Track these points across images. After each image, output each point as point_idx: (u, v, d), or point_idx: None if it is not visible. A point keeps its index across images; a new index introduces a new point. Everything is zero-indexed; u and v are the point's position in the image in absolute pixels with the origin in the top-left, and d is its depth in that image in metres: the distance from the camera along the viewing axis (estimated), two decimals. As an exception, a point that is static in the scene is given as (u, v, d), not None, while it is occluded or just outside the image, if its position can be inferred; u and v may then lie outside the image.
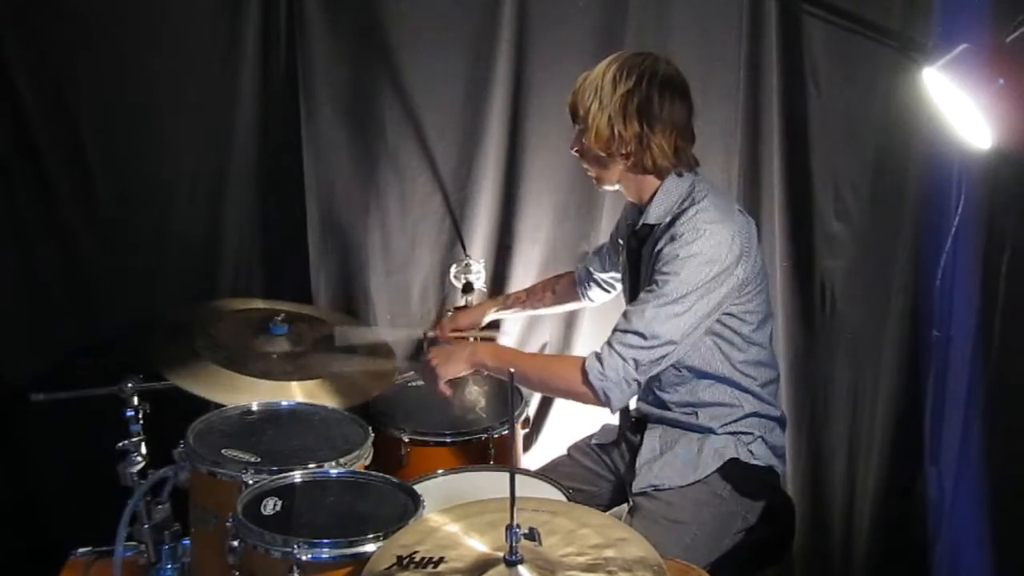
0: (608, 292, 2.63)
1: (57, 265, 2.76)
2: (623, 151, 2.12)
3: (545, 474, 2.27)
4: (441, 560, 1.55)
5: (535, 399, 2.94)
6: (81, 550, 2.17)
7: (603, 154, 2.14)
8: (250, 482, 1.84)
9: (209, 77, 2.74)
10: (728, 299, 2.10)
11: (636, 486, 2.20)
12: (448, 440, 2.44)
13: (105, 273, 2.77)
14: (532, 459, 2.81)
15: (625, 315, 2.09)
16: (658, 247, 2.11)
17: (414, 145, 2.85)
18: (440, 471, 2.24)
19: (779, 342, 2.76)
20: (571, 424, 2.78)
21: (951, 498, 2.38)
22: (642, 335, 2.04)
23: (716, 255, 2.05)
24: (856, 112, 2.64)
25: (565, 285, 2.71)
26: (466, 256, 2.91)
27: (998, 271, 2.20)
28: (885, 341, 2.65)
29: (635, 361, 2.05)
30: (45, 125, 2.66)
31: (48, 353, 2.76)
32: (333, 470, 1.91)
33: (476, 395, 2.64)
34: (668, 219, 2.13)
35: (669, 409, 2.22)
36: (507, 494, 1.50)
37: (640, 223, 2.20)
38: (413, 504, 1.81)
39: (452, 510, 1.70)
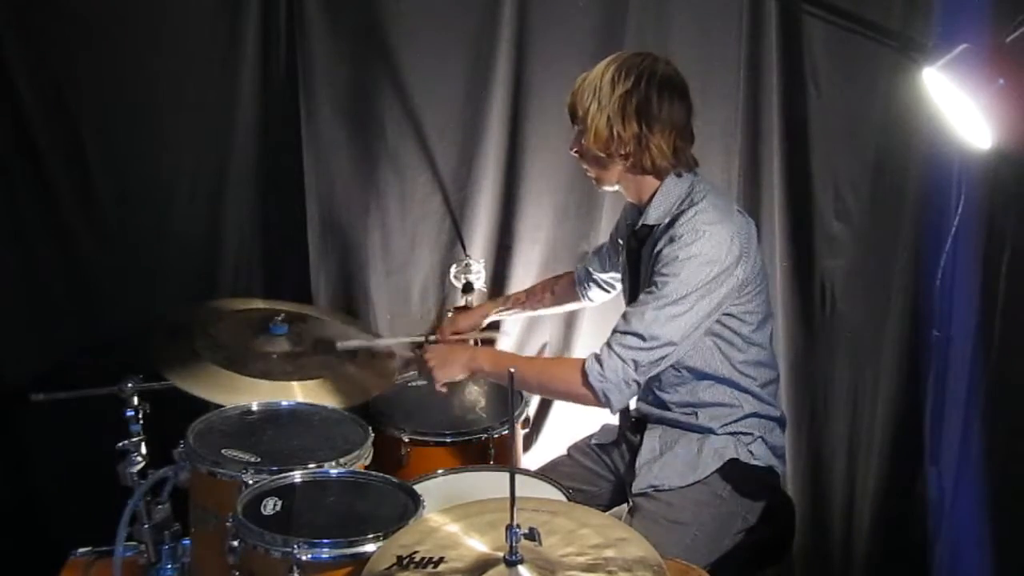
0: (608, 292, 2.63)
1: (57, 265, 2.76)
2: (622, 152, 2.12)
3: (545, 474, 2.27)
4: (441, 560, 1.55)
5: (535, 399, 2.94)
6: (81, 550, 2.17)
7: (602, 155, 2.14)
8: (250, 482, 1.84)
9: (209, 77, 2.74)
10: (728, 300, 2.09)
11: (636, 486, 2.20)
12: (448, 440, 2.44)
13: (105, 273, 2.77)
14: (532, 459, 2.81)
15: (625, 316, 2.09)
16: (657, 248, 2.11)
17: (414, 145, 2.85)
18: (440, 471, 2.24)
19: (779, 342, 2.76)
20: (571, 424, 2.78)
21: (951, 498, 2.38)
22: (641, 336, 2.04)
23: (715, 256, 2.05)
24: (856, 112, 2.64)
25: (565, 285, 2.71)
26: (466, 256, 2.91)
27: (998, 271, 2.19)
28: (885, 341, 2.65)
29: (635, 362, 2.05)
30: (45, 125, 2.66)
31: (48, 353, 2.76)
32: (333, 470, 1.91)
33: (476, 395, 2.64)
34: (667, 220, 2.13)
35: (669, 409, 2.22)
36: (507, 494, 1.50)
37: (639, 224, 2.20)
38: (413, 504, 1.81)
39: (452, 510, 1.70)
